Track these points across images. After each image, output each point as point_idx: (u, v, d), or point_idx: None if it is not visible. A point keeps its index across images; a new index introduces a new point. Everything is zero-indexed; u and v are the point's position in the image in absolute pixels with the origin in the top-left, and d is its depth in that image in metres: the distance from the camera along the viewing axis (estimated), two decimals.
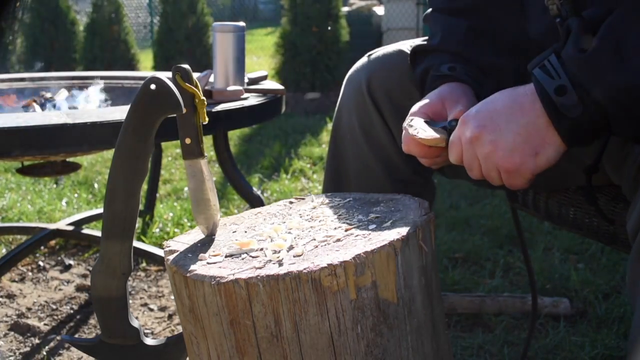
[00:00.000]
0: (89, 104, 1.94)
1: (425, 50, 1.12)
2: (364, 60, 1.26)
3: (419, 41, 1.18)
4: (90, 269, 2.02)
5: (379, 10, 8.27)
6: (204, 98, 0.90)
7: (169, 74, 0.91)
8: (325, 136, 4.49)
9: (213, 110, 1.62)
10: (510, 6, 1.13)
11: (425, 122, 0.99)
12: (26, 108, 1.91)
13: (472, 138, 0.89)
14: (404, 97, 1.19)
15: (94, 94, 1.97)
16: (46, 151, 1.43)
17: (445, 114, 1.01)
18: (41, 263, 2.35)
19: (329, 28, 5.70)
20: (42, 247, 2.46)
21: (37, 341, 1.81)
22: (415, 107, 1.03)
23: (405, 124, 1.00)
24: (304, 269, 0.75)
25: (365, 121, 1.21)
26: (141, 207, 2.53)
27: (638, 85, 0.77)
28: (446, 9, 1.14)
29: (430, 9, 1.18)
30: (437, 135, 0.96)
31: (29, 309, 2.01)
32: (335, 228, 0.88)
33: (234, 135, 4.56)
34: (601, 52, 0.79)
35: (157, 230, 2.67)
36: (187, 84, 0.88)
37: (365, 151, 1.22)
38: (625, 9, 0.80)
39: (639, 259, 0.79)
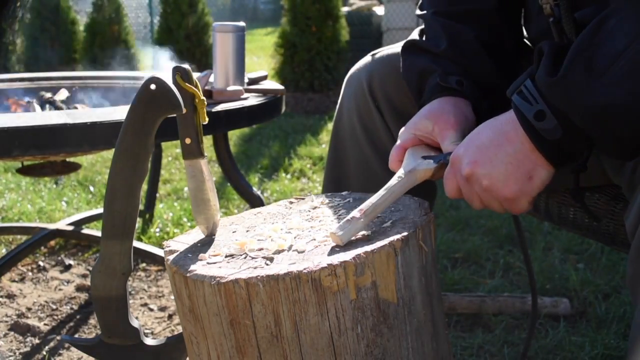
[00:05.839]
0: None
1: (425, 50, 1.09)
2: (367, 59, 1.25)
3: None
4: (90, 269, 2.02)
5: (379, 10, 8.26)
6: (204, 98, 0.90)
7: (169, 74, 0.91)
8: (325, 136, 4.49)
9: (213, 110, 1.62)
10: (512, 12, 1.12)
11: (423, 156, 0.98)
12: (26, 108, 1.91)
13: (466, 176, 0.89)
14: (402, 99, 1.18)
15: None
16: (46, 151, 1.43)
17: (433, 132, 1.00)
18: (41, 263, 2.35)
19: (329, 28, 5.69)
20: (42, 247, 2.46)
21: (37, 341, 1.81)
22: (404, 129, 1.03)
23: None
24: (304, 269, 0.75)
25: (366, 120, 1.21)
26: (141, 207, 2.53)
27: (612, 104, 0.76)
28: (449, 13, 1.11)
29: (430, 10, 1.13)
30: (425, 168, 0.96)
31: (29, 309, 2.01)
32: None
33: (234, 135, 4.56)
34: (572, 75, 0.78)
35: (157, 230, 2.67)
36: (187, 84, 0.88)
37: (365, 150, 1.22)
38: (590, 28, 0.79)
39: (638, 256, 0.79)
